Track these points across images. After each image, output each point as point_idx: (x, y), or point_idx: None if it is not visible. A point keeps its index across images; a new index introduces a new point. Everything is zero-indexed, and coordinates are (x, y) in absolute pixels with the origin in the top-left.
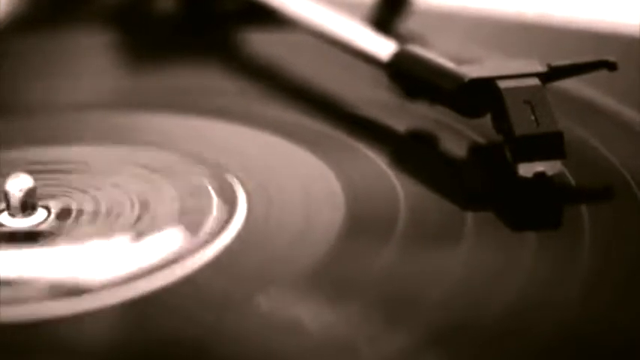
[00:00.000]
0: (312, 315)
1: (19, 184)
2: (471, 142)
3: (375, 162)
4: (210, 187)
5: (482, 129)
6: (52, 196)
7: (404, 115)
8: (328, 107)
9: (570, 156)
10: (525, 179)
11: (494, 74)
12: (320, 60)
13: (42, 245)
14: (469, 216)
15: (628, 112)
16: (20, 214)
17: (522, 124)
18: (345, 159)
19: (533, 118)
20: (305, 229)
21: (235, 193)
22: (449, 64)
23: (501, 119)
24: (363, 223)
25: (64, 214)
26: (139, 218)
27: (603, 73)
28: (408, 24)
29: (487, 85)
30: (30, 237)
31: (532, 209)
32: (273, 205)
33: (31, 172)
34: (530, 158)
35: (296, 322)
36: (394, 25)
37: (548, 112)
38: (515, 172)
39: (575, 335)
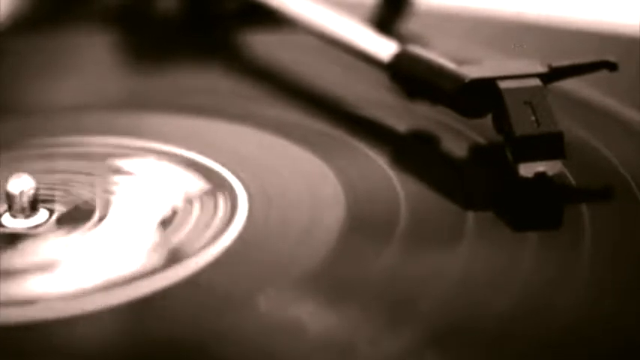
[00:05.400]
0: (312, 315)
1: (20, 185)
2: (471, 142)
3: (376, 162)
4: (210, 187)
5: (482, 129)
6: (54, 197)
7: (404, 116)
8: (329, 107)
9: (571, 156)
10: (526, 179)
11: (495, 75)
12: (320, 60)
13: (43, 245)
14: (470, 216)
15: (628, 113)
16: (21, 215)
17: (523, 124)
18: (346, 159)
19: (533, 118)
20: (305, 229)
21: (236, 194)
22: (449, 65)
23: (502, 119)
24: (363, 224)
25: (65, 214)
26: (139, 218)
27: (604, 74)
28: (409, 24)
29: (488, 85)
30: (30, 237)
31: (533, 209)
32: (274, 206)
33: (31, 173)
34: (531, 158)
35: (296, 323)
36: (395, 26)
37: (549, 113)
38: (515, 172)
39: (575, 335)
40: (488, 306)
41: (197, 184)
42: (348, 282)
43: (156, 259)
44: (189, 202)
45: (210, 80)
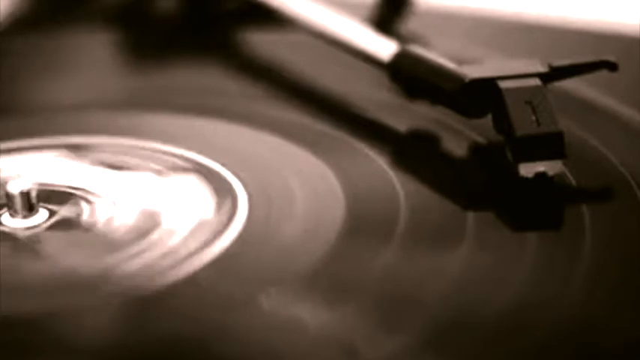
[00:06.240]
0: (312, 315)
1: (19, 185)
2: (471, 142)
3: (376, 162)
4: (210, 188)
5: (482, 129)
6: (53, 197)
7: (404, 115)
8: (328, 107)
9: (571, 156)
10: (526, 179)
11: (495, 74)
12: (320, 60)
13: (42, 245)
14: (470, 216)
15: (628, 112)
16: (21, 215)
17: (523, 124)
18: (346, 159)
19: (533, 118)
20: (305, 229)
21: (236, 194)
22: (450, 65)
23: (502, 119)
24: (363, 223)
25: (64, 214)
26: (139, 218)
27: (604, 73)
28: (409, 24)
29: (488, 85)
30: (30, 237)
31: (533, 209)
32: (274, 206)
33: (31, 173)
34: (531, 158)
35: (297, 322)
36: (395, 26)
37: (549, 113)
38: (515, 172)
39: (575, 335)
40: (487, 306)
41: (197, 185)
42: (348, 281)
43: (156, 259)
44: (189, 202)
45: (210, 80)
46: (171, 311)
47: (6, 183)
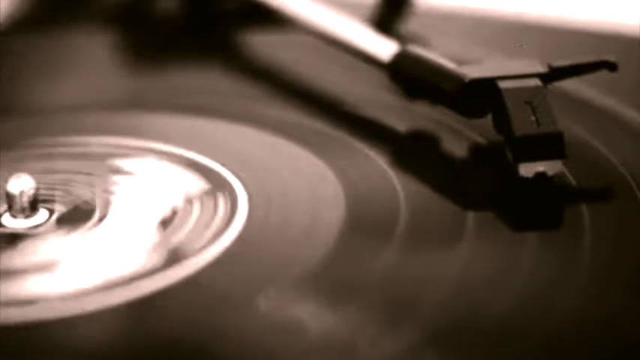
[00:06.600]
0: (312, 315)
1: (20, 185)
2: (471, 142)
3: (376, 162)
4: (210, 187)
5: (482, 129)
6: (53, 197)
7: (404, 116)
8: (329, 107)
9: (571, 156)
10: (526, 179)
11: (495, 75)
12: (321, 60)
13: (43, 245)
14: (470, 216)
15: (628, 112)
16: (21, 215)
17: (523, 124)
18: (346, 159)
19: (533, 118)
20: (305, 229)
21: (236, 194)
22: (449, 65)
23: (502, 119)
24: (363, 224)
25: (65, 214)
26: (139, 218)
27: (604, 74)
28: (409, 24)
29: (488, 85)
30: (31, 237)
31: (533, 209)
32: (274, 206)
33: (32, 173)
34: (531, 158)
35: (297, 323)
36: (395, 26)
37: (549, 113)
38: (515, 172)
39: (575, 335)
40: (488, 306)
41: (197, 184)
42: (348, 282)
43: (156, 259)
44: (189, 202)
45: (210, 80)
46: (170, 312)
47: (6, 183)
